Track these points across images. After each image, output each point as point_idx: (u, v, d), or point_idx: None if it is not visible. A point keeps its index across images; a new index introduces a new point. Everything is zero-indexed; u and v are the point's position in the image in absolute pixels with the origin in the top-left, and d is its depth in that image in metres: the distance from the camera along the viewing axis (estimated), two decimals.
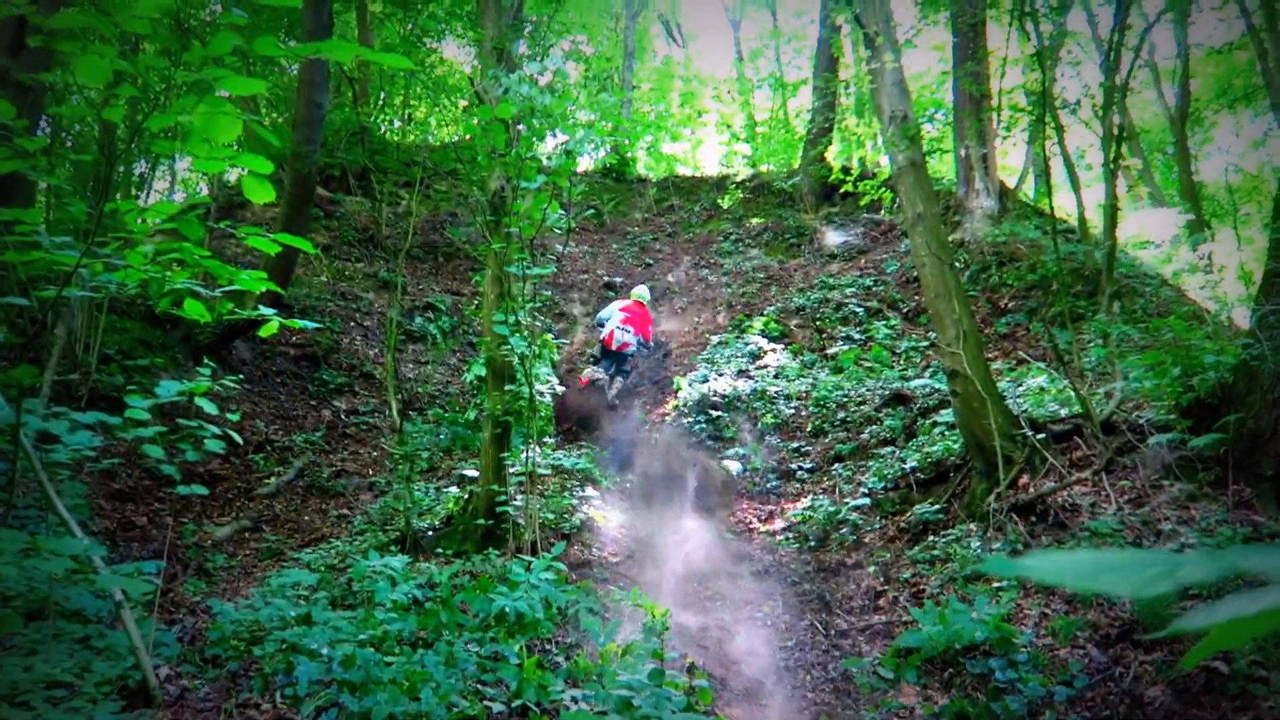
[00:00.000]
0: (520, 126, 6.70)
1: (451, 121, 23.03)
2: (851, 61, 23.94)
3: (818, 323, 15.20)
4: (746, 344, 14.68)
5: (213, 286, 4.01)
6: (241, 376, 8.94)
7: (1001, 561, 0.89)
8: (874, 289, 16.23)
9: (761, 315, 15.89)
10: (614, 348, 12.61)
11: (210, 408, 4.42)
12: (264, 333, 4.25)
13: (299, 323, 4.20)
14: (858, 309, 15.43)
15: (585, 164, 26.35)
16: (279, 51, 3.08)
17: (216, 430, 4.61)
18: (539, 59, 6.58)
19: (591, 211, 15.12)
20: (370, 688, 4.51)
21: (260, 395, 12.05)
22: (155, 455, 4.15)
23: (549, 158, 7.08)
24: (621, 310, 12.89)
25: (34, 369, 3.57)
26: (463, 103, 20.15)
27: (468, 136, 7.09)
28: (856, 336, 14.59)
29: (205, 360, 5.59)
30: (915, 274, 16.09)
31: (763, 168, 26.42)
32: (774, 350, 14.46)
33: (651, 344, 13.67)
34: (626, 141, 25.56)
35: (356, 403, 12.80)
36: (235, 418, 5.23)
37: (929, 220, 8.55)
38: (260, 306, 4.26)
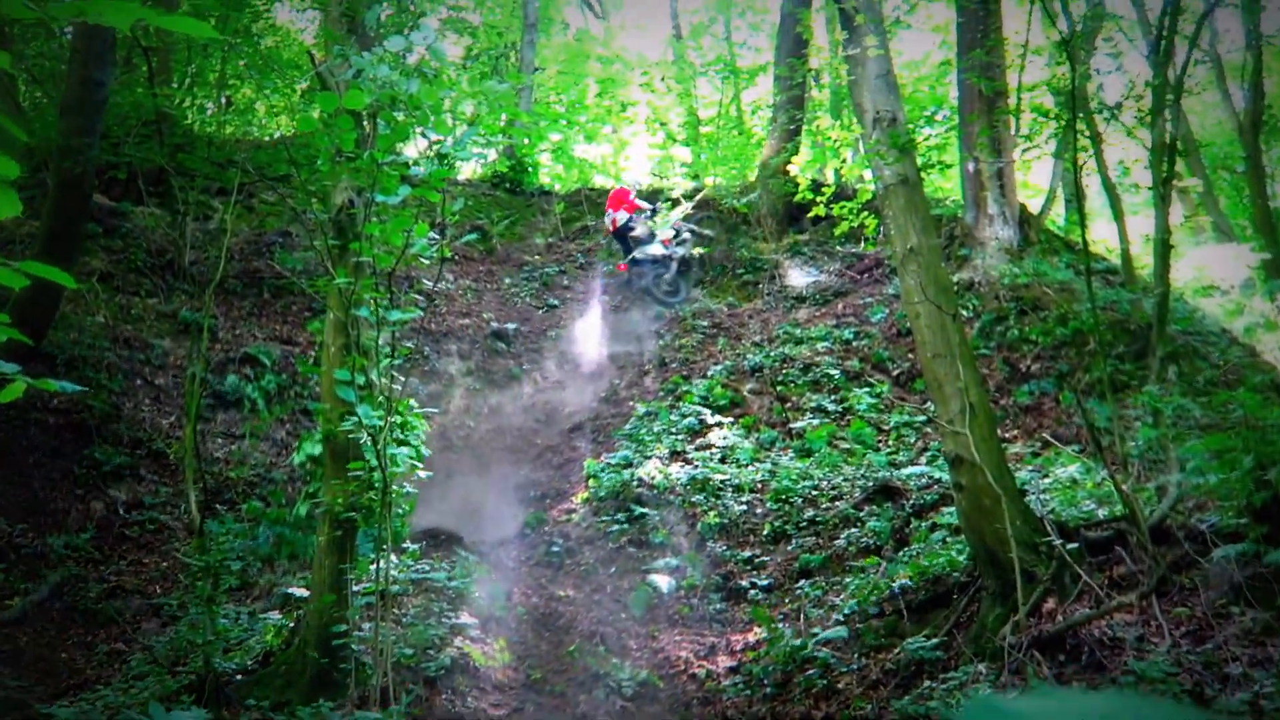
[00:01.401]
0: (378, 122, 6.71)
1: (286, 110, 23.02)
2: (826, 44, 24.60)
3: (779, 388, 15.39)
4: (684, 416, 14.78)
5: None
6: None
7: (984, 703, 0.89)
8: (854, 344, 16.52)
9: (704, 377, 16.04)
10: (615, 231, 19.78)
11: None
12: (4, 397, 4.14)
13: (54, 384, 4.07)
14: (833, 371, 15.67)
15: (469, 171, 26.45)
16: (25, 11, 3.05)
17: None
18: (404, 31, 6.58)
19: (475, 235, 15.18)
20: None
21: (4, 481, 11.77)
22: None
23: (416, 163, 7.10)
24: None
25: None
26: (301, 85, 20.10)
27: (306, 133, 7.07)
28: (831, 408, 14.80)
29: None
30: (905, 326, 16.41)
31: (708, 180, 26.78)
32: (720, 425, 14.58)
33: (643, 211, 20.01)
34: (525, 142, 25.73)
35: (141, 491, 12.56)
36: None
37: (925, 256, 8.75)
38: None
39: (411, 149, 7.95)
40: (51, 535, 11.19)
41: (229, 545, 10.93)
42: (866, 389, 15.06)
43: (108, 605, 10.18)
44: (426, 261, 7.89)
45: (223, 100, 22.44)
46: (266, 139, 21.85)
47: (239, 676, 7.91)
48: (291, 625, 8.19)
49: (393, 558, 7.53)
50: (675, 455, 13.73)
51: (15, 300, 11.45)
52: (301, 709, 7.08)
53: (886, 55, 9.20)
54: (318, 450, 11.04)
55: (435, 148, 7.03)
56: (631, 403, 15.91)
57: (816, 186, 15.08)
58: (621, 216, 19.65)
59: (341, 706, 7.08)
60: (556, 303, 20.51)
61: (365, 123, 7.58)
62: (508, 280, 21.44)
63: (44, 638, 9.50)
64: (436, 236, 7.36)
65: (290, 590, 9.49)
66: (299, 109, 19.49)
